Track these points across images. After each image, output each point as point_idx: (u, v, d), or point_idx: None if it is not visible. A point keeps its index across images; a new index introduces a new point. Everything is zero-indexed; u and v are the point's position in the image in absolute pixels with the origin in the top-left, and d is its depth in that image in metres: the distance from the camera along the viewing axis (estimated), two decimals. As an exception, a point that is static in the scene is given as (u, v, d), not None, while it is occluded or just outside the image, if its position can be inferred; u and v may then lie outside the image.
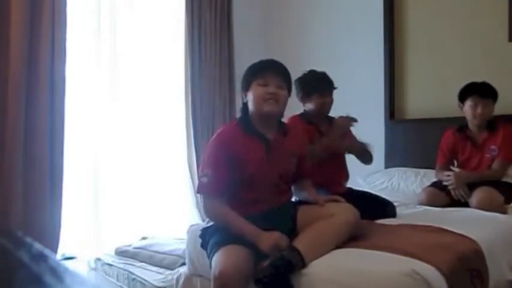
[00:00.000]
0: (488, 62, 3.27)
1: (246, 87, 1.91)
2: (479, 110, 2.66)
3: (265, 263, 1.56)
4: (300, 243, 1.64)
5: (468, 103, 2.70)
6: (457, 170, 2.70)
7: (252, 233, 1.70)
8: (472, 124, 2.75)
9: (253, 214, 1.79)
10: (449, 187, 2.61)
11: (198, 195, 3.64)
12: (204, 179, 1.81)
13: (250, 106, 1.89)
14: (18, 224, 2.69)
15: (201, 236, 1.88)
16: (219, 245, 1.69)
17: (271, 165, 1.87)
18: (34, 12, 2.81)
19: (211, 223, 1.90)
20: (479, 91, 2.67)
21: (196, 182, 3.65)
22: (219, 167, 1.80)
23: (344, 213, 1.76)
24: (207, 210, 1.86)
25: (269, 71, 1.87)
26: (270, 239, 1.65)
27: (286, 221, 1.82)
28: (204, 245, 1.84)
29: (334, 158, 2.47)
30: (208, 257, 1.73)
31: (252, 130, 1.87)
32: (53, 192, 2.86)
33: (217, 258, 1.65)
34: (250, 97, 1.88)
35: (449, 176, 2.63)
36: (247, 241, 1.68)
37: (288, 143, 1.94)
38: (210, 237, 1.79)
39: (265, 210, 1.84)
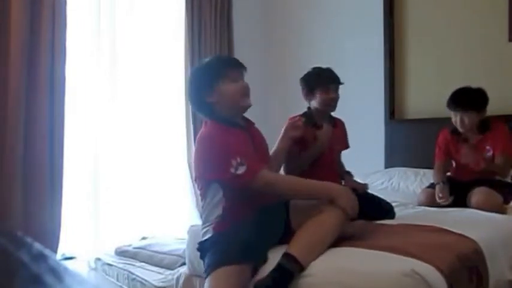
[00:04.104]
0: (488, 62, 3.27)
1: (209, 89, 1.85)
2: (458, 121, 2.64)
3: (260, 277, 1.54)
4: (295, 248, 1.59)
5: (452, 113, 2.69)
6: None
7: (329, 189, 1.69)
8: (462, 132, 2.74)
9: (247, 217, 1.74)
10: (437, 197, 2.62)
11: (197, 196, 3.65)
12: (242, 169, 1.67)
13: (223, 104, 1.84)
14: (18, 224, 2.69)
15: (199, 249, 1.82)
16: (211, 268, 1.62)
17: (256, 149, 1.86)
18: (34, 12, 2.82)
19: (206, 236, 1.80)
20: (459, 103, 2.63)
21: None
22: (243, 148, 1.75)
23: (335, 208, 1.67)
24: (270, 187, 1.72)
25: (231, 66, 1.89)
26: (350, 197, 1.66)
27: (280, 224, 1.77)
28: (202, 256, 1.79)
29: (324, 161, 2.41)
30: (204, 275, 1.68)
31: (233, 123, 1.86)
32: (53, 192, 2.86)
33: (208, 286, 1.60)
34: (220, 96, 1.84)
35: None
36: (241, 256, 1.61)
37: (255, 129, 1.98)
38: (205, 255, 1.73)
39: (259, 208, 1.78)
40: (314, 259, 1.59)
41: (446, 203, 2.56)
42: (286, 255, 1.57)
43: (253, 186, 1.70)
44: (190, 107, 3.77)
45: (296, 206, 1.82)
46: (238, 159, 1.67)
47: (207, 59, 1.99)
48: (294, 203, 1.84)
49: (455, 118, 2.66)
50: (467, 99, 2.63)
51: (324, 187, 1.73)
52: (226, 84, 1.83)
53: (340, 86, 2.49)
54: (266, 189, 1.73)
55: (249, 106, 1.88)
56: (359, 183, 2.52)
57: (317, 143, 2.33)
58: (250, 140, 1.88)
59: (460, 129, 2.68)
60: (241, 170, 1.67)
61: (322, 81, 2.42)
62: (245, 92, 1.86)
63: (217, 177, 1.77)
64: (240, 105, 1.86)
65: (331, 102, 2.41)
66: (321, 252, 1.62)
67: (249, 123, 1.98)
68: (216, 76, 1.85)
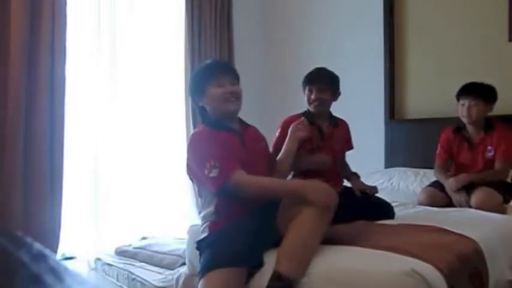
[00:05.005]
0: (488, 62, 3.27)
1: (200, 93, 1.93)
2: (465, 109, 2.66)
3: (257, 281, 1.54)
4: (283, 264, 1.54)
5: (460, 102, 2.72)
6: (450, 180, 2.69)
7: (296, 189, 1.66)
8: (467, 124, 2.75)
9: (241, 216, 1.75)
10: (450, 191, 2.62)
11: (197, 196, 3.64)
12: (214, 172, 1.71)
13: (211, 107, 1.91)
14: (18, 224, 2.69)
15: (198, 249, 1.83)
16: (203, 270, 1.62)
17: (248, 151, 1.88)
18: (34, 12, 2.82)
19: (203, 235, 1.83)
20: (469, 91, 2.68)
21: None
22: (220, 149, 1.78)
23: (311, 206, 1.61)
24: (240, 189, 1.73)
25: (219, 71, 1.92)
26: (320, 190, 1.62)
27: (272, 233, 1.75)
28: (200, 255, 1.80)
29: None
30: (198, 276, 1.68)
31: (222, 126, 1.90)
32: (53, 192, 2.86)
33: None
34: (209, 100, 1.90)
35: (449, 182, 2.64)
36: (236, 259, 1.60)
37: (251, 131, 2.00)
38: (202, 253, 1.74)
39: (254, 208, 1.78)
40: (306, 265, 1.56)
41: (466, 205, 2.56)
42: (276, 275, 1.52)
43: (226, 188, 1.73)
44: (190, 106, 3.80)
45: (282, 206, 1.79)
46: (212, 162, 1.72)
47: (203, 63, 2.03)
48: (280, 213, 1.79)
49: (463, 108, 2.67)
50: (478, 87, 2.68)
51: (294, 186, 1.72)
52: (213, 88, 1.89)
53: (341, 86, 2.48)
54: (237, 191, 1.74)
55: (232, 111, 1.91)
56: (368, 186, 2.50)
57: (307, 158, 2.32)
58: (240, 142, 1.89)
59: (467, 120, 2.69)
60: (214, 173, 1.72)
61: (306, 81, 2.46)
62: (227, 97, 1.88)
63: (197, 179, 1.87)
64: (222, 110, 1.89)
65: (313, 102, 2.41)
66: (311, 255, 1.59)
67: (244, 126, 1.99)
68: (205, 80, 1.91)
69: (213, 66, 1.96)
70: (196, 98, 1.97)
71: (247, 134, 1.97)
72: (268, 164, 2.02)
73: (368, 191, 2.45)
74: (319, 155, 2.34)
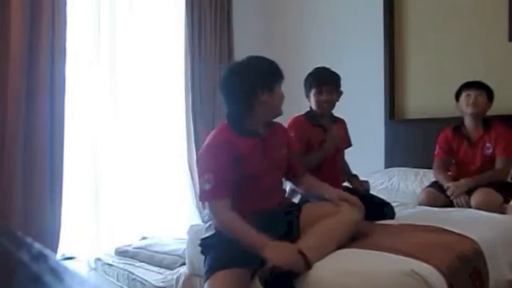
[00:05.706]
0: (488, 62, 3.27)
1: (265, 88, 1.84)
2: (471, 98, 2.68)
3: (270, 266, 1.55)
4: (305, 244, 1.61)
5: (463, 95, 2.73)
6: (450, 185, 2.70)
7: (258, 244, 1.62)
8: (467, 118, 2.75)
9: (246, 218, 1.74)
10: (451, 197, 2.62)
11: (197, 196, 3.64)
12: (206, 186, 1.74)
13: (268, 106, 1.86)
14: (18, 224, 2.69)
15: (201, 245, 1.85)
16: (211, 270, 1.65)
17: (268, 159, 1.88)
18: (34, 12, 2.82)
19: (209, 233, 1.87)
20: (472, 84, 2.72)
21: (197, 182, 3.66)
22: (221, 169, 1.76)
23: (349, 210, 1.75)
24: (214, 217, 1.79)
25: (283, 75, 1.93)
26: (280, 254, 1.58)
27: (279, 229, 1.77)
28: (203, 252, 1.82)
29: (330, 161, 2.44)
30: (204, 277, 1.71)
31: (245, 130, 1.87)
32: (53, 192, 2.86)
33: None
34: (272, 98, 1.86)
35: (449, 187, 2.65)
36: (241, 260, 1.63)
37: (275, 134, 1.98)
38: (208, 253, 1.76)
39: (259, 211, 1.80)
40: (322, 258, 1.60)
41: (466, 206, 2.57)
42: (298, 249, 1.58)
43: (208, 207, 1.80)
44: (190, 106, 3.79)
45: (309, 210, 1.84)
46: (211, 176, 1.73)
47: (265, 58, 1.92)
48: (308, 207, 1.87)
49: (468, 98, 2.69)
50: (480, 82, 2.71)
51: (255, 244, 1.64)
52: (279, 89, 1.90)
53: (341, 86, 2.49)
54: (211, 216, 1.82)
55: (280, 115, 1.93)
56: (361, 182, 2.55)
57: (325, 145, 2.36)
58: (261, 150, 1.87)
59: (472, 110, 2.69)
60: (205, 187, 1.75)
61: (314, 82, 2.44)
62: (282, 101, 1.93)
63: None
64: (278, 111, 1.91)
65: (323, 104, 2.42)
66: (329, 252, 1.63)
67: (271, 127, 1.96)
68: (276, 79, 1.90)
69: (279, 68, 1.92)
70: (257, 90, 1.82)
71: (271, 136, 1.93)
72: (281, 174, 2.01)
73: (359, 189, 2.49)
74: (329, 133, 2.39)
